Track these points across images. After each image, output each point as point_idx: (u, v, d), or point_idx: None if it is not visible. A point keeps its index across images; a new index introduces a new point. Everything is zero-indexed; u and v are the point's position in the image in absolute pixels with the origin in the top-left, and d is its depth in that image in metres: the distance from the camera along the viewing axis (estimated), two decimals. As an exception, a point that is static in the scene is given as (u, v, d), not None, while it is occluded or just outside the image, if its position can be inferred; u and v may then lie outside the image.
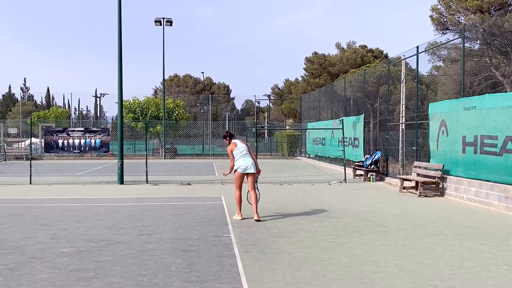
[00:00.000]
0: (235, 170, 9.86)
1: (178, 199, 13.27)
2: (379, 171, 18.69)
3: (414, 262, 6.59)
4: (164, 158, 37.37)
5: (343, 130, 19.89)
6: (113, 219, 10.03)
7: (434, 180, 13.75)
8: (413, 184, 14.68)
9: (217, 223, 9.43)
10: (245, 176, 9.87)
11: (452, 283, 5.65)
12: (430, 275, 5.97)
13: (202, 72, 76.32)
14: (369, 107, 26.04)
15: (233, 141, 10.07)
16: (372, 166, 18.71)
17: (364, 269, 6.21)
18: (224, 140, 10.31)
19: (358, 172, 19.56)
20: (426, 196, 13.54)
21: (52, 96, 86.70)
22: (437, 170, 13.84)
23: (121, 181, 17.41)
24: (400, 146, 18.92)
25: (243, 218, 9.76)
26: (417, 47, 16.60)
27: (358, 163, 19.90)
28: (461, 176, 12.85)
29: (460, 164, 12.95)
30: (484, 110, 11.83)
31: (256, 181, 10.10)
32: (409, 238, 8.13)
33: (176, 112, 41.55)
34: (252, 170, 9.83)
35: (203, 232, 8.56)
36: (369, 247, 7.42)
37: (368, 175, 18.59)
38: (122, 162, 17.68)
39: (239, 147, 9.95)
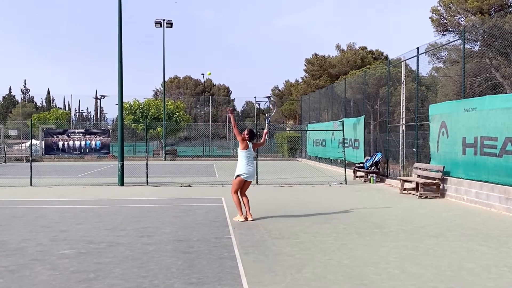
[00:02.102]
0: (237, 176, 9.92)
1: (178, 200, 13.28)
2: (379, 172, 18.70)
3: (414, 263, 6.59)
4: (165, 160, 37.37)
5: (343, 132, 19.89)
6: (114, 220, 10.03)
7: (434, 181, 13.75)
8: (413, 185, 14.68)
9: (218, 225, 9.43)
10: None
11: (452, 284, 5.65)
12: (430, 276, 5.97)
13: (202, 74, 76.24)
14: (369, 108, 26.05)
15: (249, 142, 10.07)
16: (373, 167, 18.72)
17: (365, 271, 6.21)
18: (245, 134, 10.03)
19: (359, 173, 19.57)
20: (426, 197, 13.55)
21: (53, 97, 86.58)
22: (437, 171, 13.84)
23: (122, 183, 17.41)
24: (400, 147, 18.91)
25: (246, 220, 9.77)
26: (417, 48, 16.61)
27: (358, 165, 19.91)
28: (461, 178, 12.85)
29: (460, 165, 12.95)
30: (484, 111, 11.84)
31: None
32: (409, 239, 8.13)
33: (177, 113, 41.55)
34: (251, 179, 10.09)
35: (204, 234, 8.56)
36: (370, 249, 7.42)
37: (369, 177, 18.59)
38: (123, 163, 17.69)
39: (249, 149, 10.06)
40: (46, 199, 13.70)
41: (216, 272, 6.14)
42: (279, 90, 64.60)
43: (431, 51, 21.40)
